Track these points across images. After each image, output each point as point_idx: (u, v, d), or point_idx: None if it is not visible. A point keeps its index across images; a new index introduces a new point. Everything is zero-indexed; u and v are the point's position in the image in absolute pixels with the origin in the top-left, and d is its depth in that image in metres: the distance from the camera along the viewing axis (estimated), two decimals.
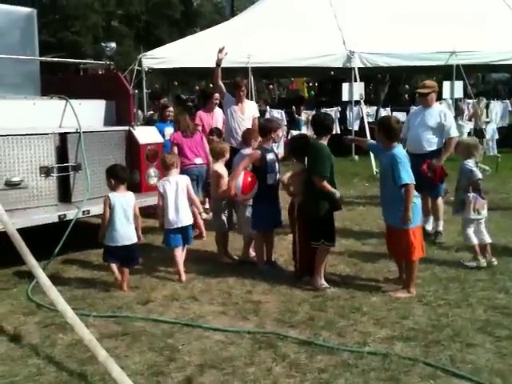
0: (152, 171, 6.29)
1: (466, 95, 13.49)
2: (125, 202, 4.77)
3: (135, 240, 4.81)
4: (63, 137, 5.62)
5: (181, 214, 5.05)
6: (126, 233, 4.74)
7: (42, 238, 5.05)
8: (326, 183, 4.69)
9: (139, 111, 13.29)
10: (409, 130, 6.41)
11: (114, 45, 6.54)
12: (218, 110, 8.07)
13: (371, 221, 7.22)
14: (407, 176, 4.53)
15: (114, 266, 4.78)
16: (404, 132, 6.58)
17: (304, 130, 12.51)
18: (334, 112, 13.28)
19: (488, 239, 5.34)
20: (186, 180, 5.21)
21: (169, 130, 7.67)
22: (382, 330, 3.91)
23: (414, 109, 7.45)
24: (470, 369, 3.37)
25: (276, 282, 4.88)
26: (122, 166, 5.16)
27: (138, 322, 4.06)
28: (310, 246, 4.79)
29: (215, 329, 3.93)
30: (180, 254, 5.12)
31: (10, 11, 6.67)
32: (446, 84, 13.06)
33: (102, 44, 6.61)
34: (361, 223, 7.09)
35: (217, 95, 7.88)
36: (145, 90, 13.41)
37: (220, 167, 5.66)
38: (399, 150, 4.65)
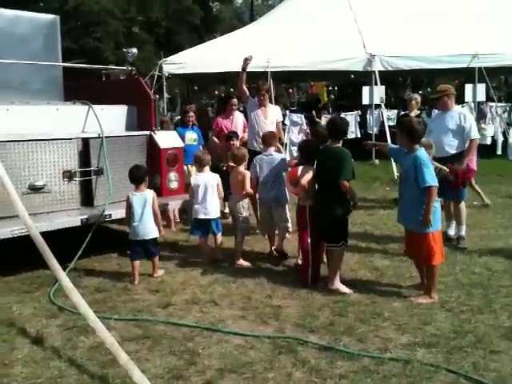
0: (172, 175, 6.34)
1: (489, 98, 13.31)
2: (142, 200, 5.14)
3: (152, 236, 5.17)
4: (86, 141, 5.69)
5: (208, 207, 5.58)
6: (144, 228, 5.12)
7: (64, 242, 5.11)
8: (350, 186, 4.79)
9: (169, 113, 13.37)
10: (430, 133, 6.35)
11: (135, 51, 6.62)
12: (238, 115, 8.10)
13: (392, 225, 7.13)
14: (431, 178, 4.52)
15: (136, 262, 5.11)
16: (426, 136, 6.53)
17: None
18: (354, 116, 13.22)
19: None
20: (216, 178, 5.73)
21: (189, 135, 7.72)
22: (404, 336, 3.87)
23: (435, 112, 7.39)
24: (493, 376, 3.32)
25: (296, 286, 4.86)
26: (136, 166, 5.41)
27: (158, 325, 4.08)
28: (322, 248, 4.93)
29: (235, 333, 3.93)
30: (203, 242, 5.72)
31: (34, 18, 6.80)
32: (469, 87, 12.90)
33: (124, 50, 6.70)
34: (382, 228, 7.03)
35: (234, 100, 7.97)
36: (165, 95, 13.53)
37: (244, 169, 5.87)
38: (422, 152, 4.64)
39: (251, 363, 3.50)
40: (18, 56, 6.03)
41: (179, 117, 10.78)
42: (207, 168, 5.77)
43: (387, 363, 3.47)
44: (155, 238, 5.24)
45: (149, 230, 5.14)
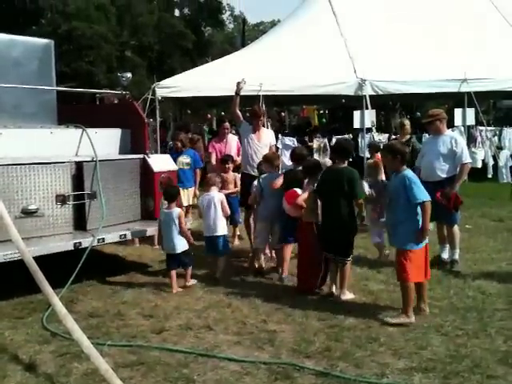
0: None
1: (478, 122, 13.49)
2: (169, 217, 5.59)
3: (180, 249, 5.59)
4: (79, 165, 5.69)
5: (213, 224, 5.92)
6: (170, 243, 5.60)
7: (56, 266, 5.06)
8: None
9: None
10: (423, 157, 6.42)
11: (129, 75, 6.68)
12: (231, 137, 8.18)
13: (386, 248, 7.15)
14: (423, 194, 4.66)
15: (172, 272, 5.56)
16: (418, 160, 6.60)
17: (316, 157, 12.52)
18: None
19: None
20: (219, 196, 6.03)
21: (181, 159, 7.74)
22: (400, 361, 3.85)
23: (426, 137, 7.49)
24: None
25: (292, 311, 4.84)
26: (171, 185, 5.99)
27: (152, 351, 4.03)
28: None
29: (231, 359, 3.89)
30: (213, 260, 6.03)
31: (28, 42, 6.84)
32: (458, 111, 13.06)
33: (118, 74, 6.76)
34: (375, 251, 7.02)
35: (226, 124, 8.12)
36: (158, 119, 13.58)
37: None
38: (409, 172, 4.80)
39: None
40: (12, 80, 6.04)
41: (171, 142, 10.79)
42: (213, 188, 6.07)
43: None
44: (186, 250, 5.63)
45: (173, 244, 5.58)
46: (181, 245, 5.59)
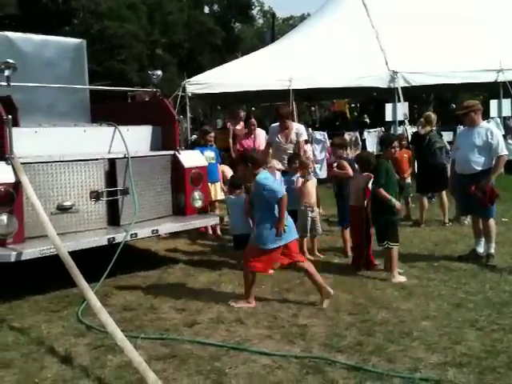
0: (196, 194, 6.37)
1: None
2: (241, 201, 6.08)
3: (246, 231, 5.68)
4: (112, 162, 5.78)
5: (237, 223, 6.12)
6: (237, 225, 6.09)
7: (90, 261, 5.16)
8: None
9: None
10: (457, 150, 6.30)
11: (160, 72, 6.73)
12: (260, 132, 8.23)
13: (419, 243, 7.08)
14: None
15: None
16: (452, 153, 6.48)
17: (348, 151, 12.40)
18: (377, 133, 13.17)
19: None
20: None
21: (207, 154, 7.77)
22: (434, 356, 3.79)
23: (461, 128, 7.35)
24: None
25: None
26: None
27: (185, 344, 4.07)
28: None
29: (262, 353, 3.89)
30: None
31: (61, 42, 7.00)
32: (494, 102, 12.77)
33: (149, 72, 6.82)
34: (408, 246, 6.93)
35: (253, 120, 8.20)
36: (188, 115, 13.69)
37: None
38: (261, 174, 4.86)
39: (279, 383, 3.46)
40: (45, 79, 6.20)
41: (195, 136, 10.87)
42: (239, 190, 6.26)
43: (418, 383, 3.40)
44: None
45: (240, 226, 6.03)
46: (244, 227, 5.92)
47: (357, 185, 6.09)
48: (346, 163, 6.59)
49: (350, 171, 6.47)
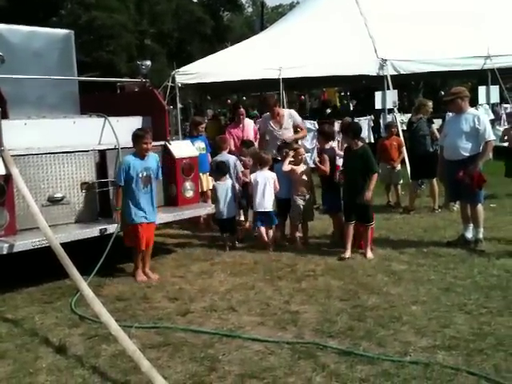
0: (188, 184, 6.39)
1: (503, 100, 13.21)
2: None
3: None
4: (103, 153, 5.79)
5: (267, 201, 6.43)
6: (223, 209, 6.48)
7: (81, 252, 5.18)
8: None
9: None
10: (446, 137, 6.35)
11: (149, 63, 6.71)
12: (248, 122, 8.31)
13: (408, 229, 7.15)
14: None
15: (262, 229, 6.44)
16: (441, 139, 6.54)
17: (338, 138, 12.46)
18: (367, 121, 13.21)
19: None
20: (273, 176, 6.53)
21: (197, 144, 7.77)
22: (423, 340, 3.86)
23: (449, 115, 7.41)
24: None
25: (314, 292, 4.89)
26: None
27: (178, 332, 4.12)
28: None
29: (254, 339, 3.95)
30: (263, 231, 6.44)
31: (49, 34, 6.94)
32: (482, 89, 12.83)
33: (138, 62, 6.79)
34: (398, 232, 7.02)
35: (241, 110, 8.38)
36: (178, 106, 13.64)
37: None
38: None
39: (271, 368, 3.52)
40: (34, 71, 6.16)
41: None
42: (267, 167, 6.58)
43: (407, 366, 3.47)
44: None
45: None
46: (272, 203, 6.44)
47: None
48: (326, 158, 6.55)
49: (328, 168, 6.50)
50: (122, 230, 5.53)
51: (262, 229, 6.45)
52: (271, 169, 6.69)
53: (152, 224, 5.58)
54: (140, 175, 5.41)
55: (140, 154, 5.47)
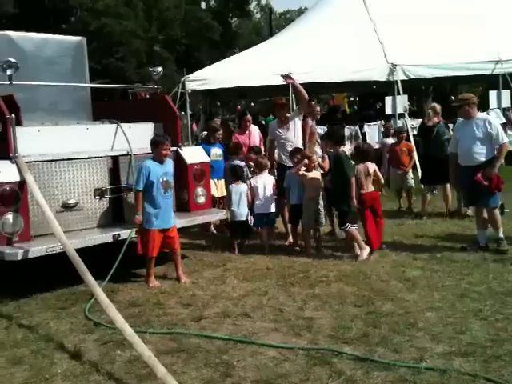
0: (199, 190, 6.41)
1: None
2: (238, 191, 6.70)
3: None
4: (115, 159, 5.81)
5: (266, 203, 6.70)
6: (236, 212, 6.68)
7: (94, 258, 5.19)
8: None
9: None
10: (458, 143, 6.37)
11: (160, 69, 6.74)
12: (254, 129, 8.39)
13: (421, 235, 7.11)
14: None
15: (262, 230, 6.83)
16: (453, 145, 6.53)
17: (347, 144, 12.44)
18: (377, 126, 13.18)
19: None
20: (271, 179, 6.88)
21: (214, 151, 7.79)
22: (439, 346, 3.83)
23: (459, 120, 7.39)
24: None
25: (327, 298, 4.87)
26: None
27: (192, 338, 4.11)
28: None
29: (269, 345, 3.94)
30: (264, 232, 6.77)
31: (62, 41, 6.99)
32: (493, 93, 12.78)
33: (150, 69, 6.83)
34: (411, 238, 6.99)
35: (248, 117, 8.48)
36: (188, 112, 13.69)
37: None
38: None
39: (287, 375, 3.51)
40: (46, 78, 6.21)
41: (205, 132, 10.86)
42: (265, 171, 6.87)
43: (424, 373, 3.44)
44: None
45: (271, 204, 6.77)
46: (271, 205, 6.76)
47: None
48: (326, 156, 6.89)
49: (327, 165, 6.79)
50: (137, 236, 5.54)
51: (263, 230, 6.79)
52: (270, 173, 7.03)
53: (174, 227, 5.62)
54: (160, 180, 5.43)
55: (159, 158, 5.51)
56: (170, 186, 5.58)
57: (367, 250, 6.08)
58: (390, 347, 3.84)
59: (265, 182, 6.76)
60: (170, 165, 5.66)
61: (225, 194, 7.63)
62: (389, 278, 5.37)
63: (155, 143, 5.53)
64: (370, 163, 6.44)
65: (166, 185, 5.50)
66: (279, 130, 7.17)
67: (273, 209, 6.80)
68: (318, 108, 8.93)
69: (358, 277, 5.46)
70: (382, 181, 6.79)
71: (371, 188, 6.41)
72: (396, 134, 9.60)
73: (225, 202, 7.31)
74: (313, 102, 24.44)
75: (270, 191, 6.75)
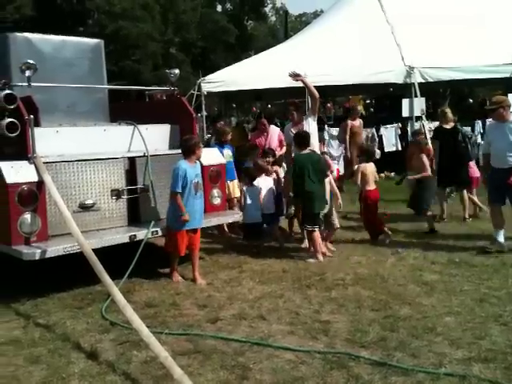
0: (215, 192, 6.41)
1: None
2: (252, 192, 6.92)
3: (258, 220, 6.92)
4: (132, 161, 5.83)
5: (267, 204, 6.91)
6: (250, 213, 6.82)
7: (110, 258, 5.21)
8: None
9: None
10: (490, 145, 6.35)
11: (177, 71, 6.76)
12: (272, 129, 8.37)
13: (439, 239, 7.03)
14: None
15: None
16: (485, 147, 6.55)
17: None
18: (394, 128, 13.09)
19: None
20: (271, 181, 7.07)
21: (226, 152, 7.77)
22: (458, 351, 3.78)
23: (490, 122, 7.44)
24: None
25: (344, 301, 4.83)
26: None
27: (208, 340, 4.10)
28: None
29: (286, 348, 3.91)
30: (275, 229, 7.12)
31: (80, 43, 7.04)
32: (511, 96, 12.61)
33: (167, 71, 6.85)
34: (428, 241, 6.91)
35: (264, 120, 8.50)
36: (204, 113, 13.71)
37: None
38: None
39: (303, 378, 3.48)
40: (65, 80, 6.25)
41: (210, 135, 10.87)
42: (264, 174, 7.02)
43: (443, 378, 3.40)
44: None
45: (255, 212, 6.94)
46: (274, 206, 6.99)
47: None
48: (327, 157, 7.38)
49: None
50: (165, 235, 5.68)
51: (269, 228, 7.07)
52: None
53: (199, 229, 5.77)
54: (193, 181, 5.54)
55: (192, 160, 5.61)
56: (200, 187, 5.68)
57: (321, 256, 6.25)
58: (408, 352, 3.80)
59: (267, 184, 6.99)
60: (199, 166, 5.79)
61: (237, 195, 7.65)
62: (406, 281, 5.32)
63: (190, 145, 5.62)
64: (372, 163, 7.15)
65: (197, 186, 5.60)
66: (292, 130, 7.13)
67: (273, 209, 7.00)
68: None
69: (374, 280, 5.41)
70: (377, 179, 7.49)
71: (373, 186, 7.07)
72: (413, 136, 9.53)
73: (238, 203, 7.42)
74: (328, 105, 24.21)
75: (271, 193, 6.96)
